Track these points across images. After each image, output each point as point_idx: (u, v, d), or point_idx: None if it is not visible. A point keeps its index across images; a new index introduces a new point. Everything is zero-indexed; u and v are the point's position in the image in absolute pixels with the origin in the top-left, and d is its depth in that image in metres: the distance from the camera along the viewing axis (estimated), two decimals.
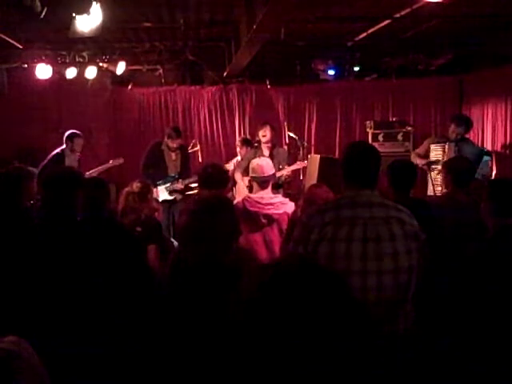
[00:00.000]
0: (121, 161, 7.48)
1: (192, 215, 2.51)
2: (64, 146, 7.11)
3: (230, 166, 7.08)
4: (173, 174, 6.97)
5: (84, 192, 3.06)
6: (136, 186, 4.28)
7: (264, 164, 4.18)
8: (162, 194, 6.90)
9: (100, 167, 7.27)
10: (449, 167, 4.29)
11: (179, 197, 6.91)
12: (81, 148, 7.18)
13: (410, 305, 2.62)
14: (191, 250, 2.46)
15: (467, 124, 6.38)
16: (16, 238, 2.93)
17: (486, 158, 6.16)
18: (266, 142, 6.76)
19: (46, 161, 6.94)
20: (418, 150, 6.64)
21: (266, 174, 4.11)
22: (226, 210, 2.53)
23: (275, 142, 7.02)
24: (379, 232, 2.51)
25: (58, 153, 7.11)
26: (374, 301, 2.47)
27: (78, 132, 7.21)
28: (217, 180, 3.89)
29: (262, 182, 4.10)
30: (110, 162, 7.44)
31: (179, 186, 6.87)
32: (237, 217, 2.66)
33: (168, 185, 6.92)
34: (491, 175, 6.82)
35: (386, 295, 2.51)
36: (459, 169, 4.17)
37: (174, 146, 7.02)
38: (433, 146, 6.31)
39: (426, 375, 2.78)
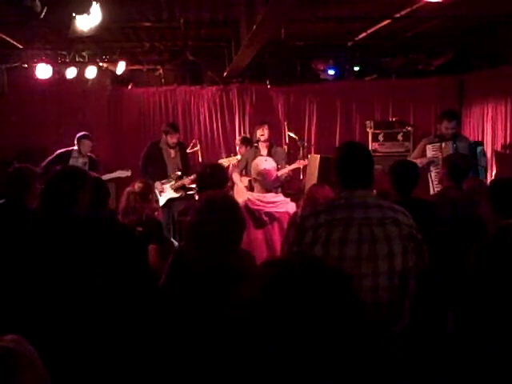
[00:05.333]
0: (128, 173, 7.32)
1: (198, 214, 2.51)
2: (75, 147, 7.12)
3: (225, 162, 7.05)
4: (178, 173, 6.94)
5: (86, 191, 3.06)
6: (138, 185, 4.30)
7: (271, 168, 4.06)
8: (168, 192, 6.88)
9: (103, 176, 7.12)
10: (446, 161, 4.45)
11: (184, 194, 6.90)
12: (88, 149, 7.14)
13: (407, 306, 2.61)
14: (196, 248, 2.46)
15: (458, 118, 6.50)
16: (21, 237, 2.93)
17: (479, 148, 6.18)
18: (264, 141, 6.85)
19: (50, 157, 6.93)
20: (413, 155, 6.62)
21: (272, 179, 4.06)
22: (232, 209, 2.52)
23: (273, 142, 7.07)
24: (374, 233, 2.49)
25: (62, 152, 7.10)
26: (370, 302, 2.45)
27: (85, 133, 7.18)
28: (216, 180, 3.88)
29: (267, 189, 4.05)
30: (118, 171, 7.36)
31: (186, 181, 6.81)
32: (243, 217, 2.64)
33: (173, 182, 6.90)
34: (488, 164, 6.86)
35: (382, 296, 2.49)
36: (455, 163, 4.31)
37: (174, 141, 7.02)
38: (429, 147, 6.31)
39: (423, 375, 2.78)
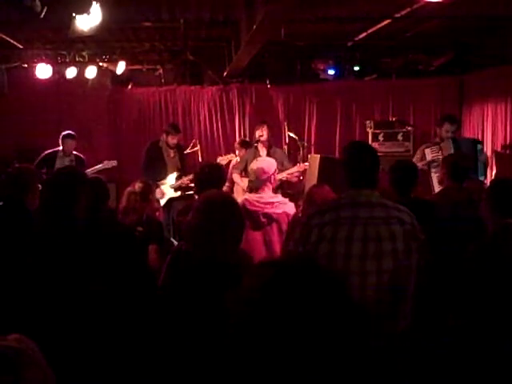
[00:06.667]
0: (114, 163, 7.40)
1: (198, 213, 2.51)
2: (60, 148, 7.12)
3: (223, 160, 7.06)
4: (175, 172, 6.98)
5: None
6: (138, 185, 4.30)
7: (258, 168, 4.09)
8: (167, 191, 6.93)
9: (91, 169, 7.08)
10: (446, 161, 4.48)
11: (183, 193, 6.95)
12: (71, 148, 7.12)
13: (410, 304, 2.62)
14: (195, 248, 2.46)
15: (458, 123, 6.60)
16: (21, 239, 2.93)
17: (479, 146, 6.31)
18: (263, 142, 6.86)
19: (37, 160, 6.94)
20: (414, 160, 6.65)
21: (262, 178, 4.07)
22: (232, 209, 2.52)
23: (272, 142, 7.07)
24: (379, 232, 2.51)
25: (49, 153, 7.12)
26: (374, 300, 2.47)
27: (69, 132, 7.15)
28: (214, 179, 3.89)
29: (257, 188, 4.08)
30: (104, 162, 7.36)
31: (185, 181, 6.87)
32: (243, 216, 2.65)
33: (172, 182, 6.97)
34: (488, 163, 6.92)
35: (386, 294, 2.51)
36: (455, 163, 4.32)
37: (175, 142, 7.07)
38: (427, 151, 6.35)
39: (424, 375, 2.78)
